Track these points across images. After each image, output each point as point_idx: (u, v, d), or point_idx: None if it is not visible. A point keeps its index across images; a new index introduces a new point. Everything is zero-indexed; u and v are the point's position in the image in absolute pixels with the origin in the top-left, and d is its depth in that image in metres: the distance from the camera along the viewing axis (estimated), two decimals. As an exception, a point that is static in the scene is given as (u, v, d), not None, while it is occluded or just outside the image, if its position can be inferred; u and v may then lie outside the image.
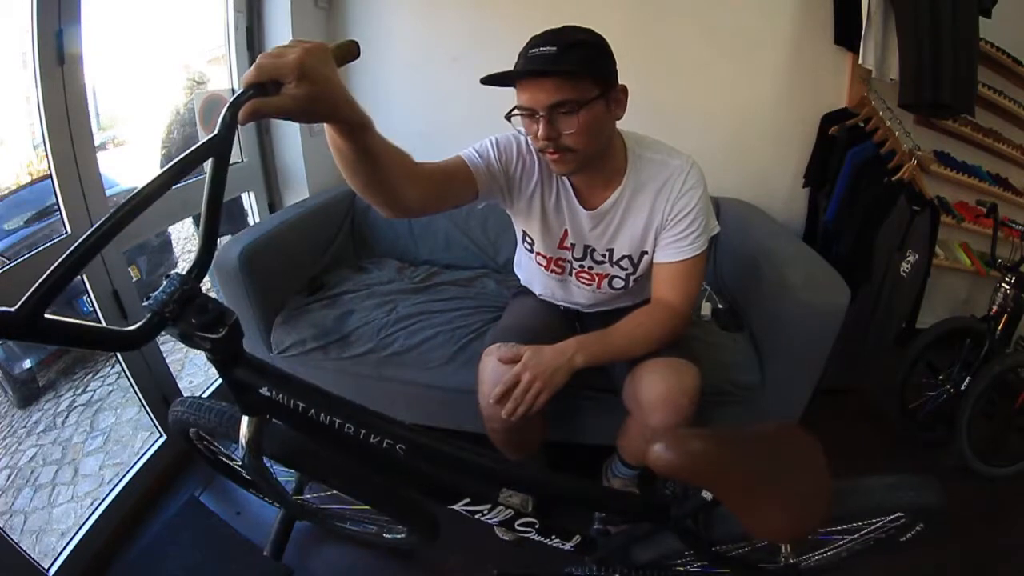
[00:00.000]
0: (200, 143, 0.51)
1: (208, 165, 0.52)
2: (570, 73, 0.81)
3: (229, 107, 0.51)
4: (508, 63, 1.70)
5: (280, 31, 1.70)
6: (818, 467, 0.62)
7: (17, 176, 1.78)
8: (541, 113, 0.84)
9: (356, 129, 0.66)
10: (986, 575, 1.26)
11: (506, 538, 1.25)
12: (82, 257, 0.44)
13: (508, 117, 0.89)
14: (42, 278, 0.42)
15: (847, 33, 1.65)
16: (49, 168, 1.11)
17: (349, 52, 0.63)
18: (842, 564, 1.00)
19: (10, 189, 1.82)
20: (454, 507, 0.76)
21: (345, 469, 0.89)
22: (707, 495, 0.68)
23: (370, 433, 0.64)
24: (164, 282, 0.52)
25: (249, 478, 1.22)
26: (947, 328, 1.61)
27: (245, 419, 0.71)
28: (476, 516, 0.78)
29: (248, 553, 1.22)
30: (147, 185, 0.49)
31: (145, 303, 0.52)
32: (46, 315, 0.42)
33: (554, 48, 0.81)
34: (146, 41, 1.74)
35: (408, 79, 1.88)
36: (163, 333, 0.53)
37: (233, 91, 1.70)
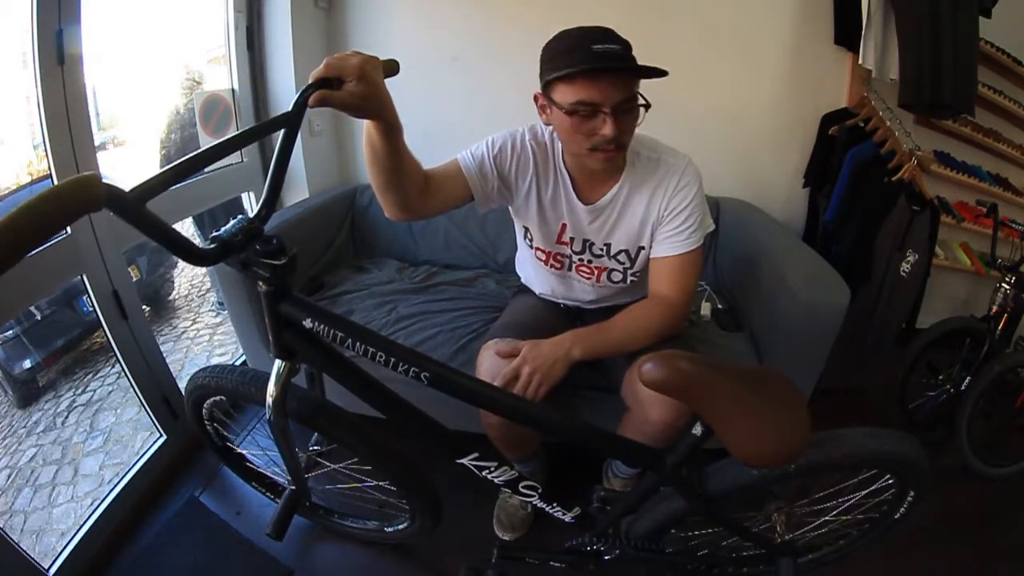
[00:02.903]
0: (277, 115, 0.65)
1: (280, 135, 0.66)
2: (651, 73, 0.82)
3: (302, 92, 0.65)
4: (508, 63, 1.72)
5: (280, 31, 1.70)
6: (798, 403, 0.65)
7: (17, 176, 1.78)
8: (607, 110, 0.83)
9: (393, 130, 0.77)
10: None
11: (506, 538, 1.25)
12: (179, 172, 0.54)
13: (570, 113, 0.85)
14: (153, 175, 0.51)
15: (847, 33, 1.65)
16: (49, 168, 1.11)
17: (391, 68, 0.76)
18: (841, 553, 1.01)
19: (10, 189, 1.82)
20: (463, 461, 0.79)
21: (362, 430, 0.92)
22: (697, 430, 0.71)
23: (399, 362, 0.69)
24: (233, 221, 0.62)
25: (255, 469, 1.23)
26: (947, 328, 1.60)
27: (276, 366, 0.77)
28: (483, 473, 0.81)
29: (248, 553, 1.22)
30: (231, 136, 0.62)
31: (214, 233, 0.60)
32: (147, 207, 0.50)
33: (617, 47, 0.82)
34: (146, 41, 1.73)
35: (408, 79, 1.85)
36: (225, 262, 0.62)
37: (233, 91, 1.71)
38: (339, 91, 0.66)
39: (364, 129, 0.79)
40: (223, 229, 0.61)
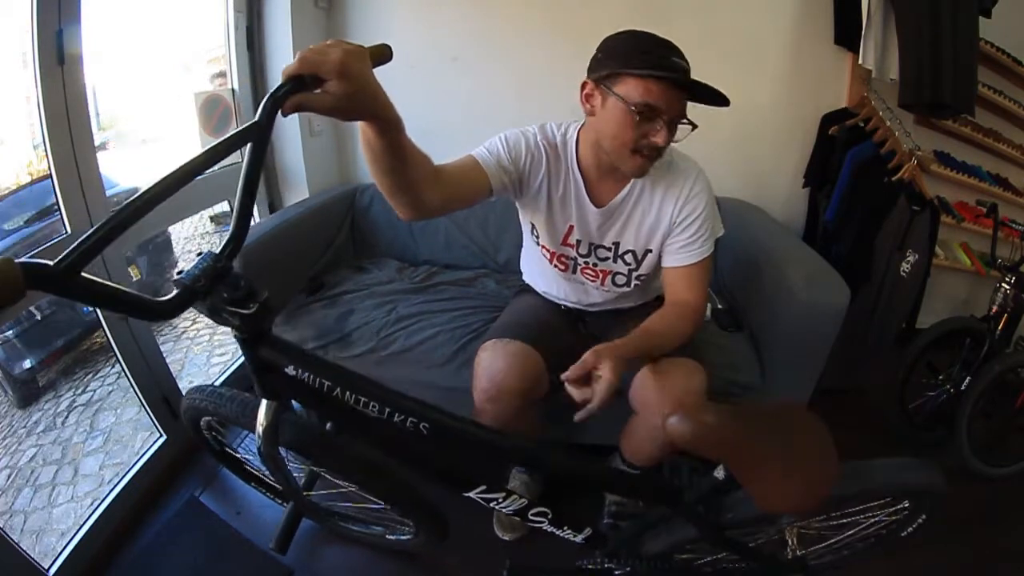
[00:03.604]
0: (242, 127, 0.53)
1: (247, 149, 0.54)
2: (722, 101, 0.85)
3: (270, 97, 0.53)
4: (508, 63, 1.72)
5: (280, 31, 1.70)
6: (824, 443, 0.64)
7: (17, 176, 1.78)
8: (665, 119, 0.86)
9: (390, 128, 0.68)
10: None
11: (506, 538, 1.25)
12: (124, 221, 0.46)
13: (638, 111, 0.85)
14: (84, 235, 0.43)
15: (847, 33, 1.65)
16: (49, 168, 1.11)
17: (383, 55, 0.64)
18: (845, 563, 1.01)
19: (10, 189, 1.82)
20: (469, 494, 0.77)
21: (360, 460, 0.89)
22: (719, 474, 0.69)
23: (395, 412, 0.64)
24: (196, 259, 0.54)
25: (255, 472, 1.23)
26: (947, 328, 1.60)
27: (263, 405, 0.72)
28: (491, 504, 0.79)
29: (248, 553, 1.22)
30: (189, 161, 0.51)
31: (176, 277, 0.53)
32: (83, 274, 0.43)
33: (687, 65, 0.85)
34: (146, 41, 1.74)
35: (408, 79, 1.88)
36: (192, 308, 0.54)
37: (233, 91, 1.70)
38: (319, 94, 0.57)
39: (359, 131, 0.69)
40: (186, 270, 0.53)
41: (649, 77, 0.83)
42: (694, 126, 0.89)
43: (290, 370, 0.64)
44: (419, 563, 1.22)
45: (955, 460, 1.50)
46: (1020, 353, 1.69)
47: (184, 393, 1.01)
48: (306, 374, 0.64)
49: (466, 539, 1.21)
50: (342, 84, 0.57)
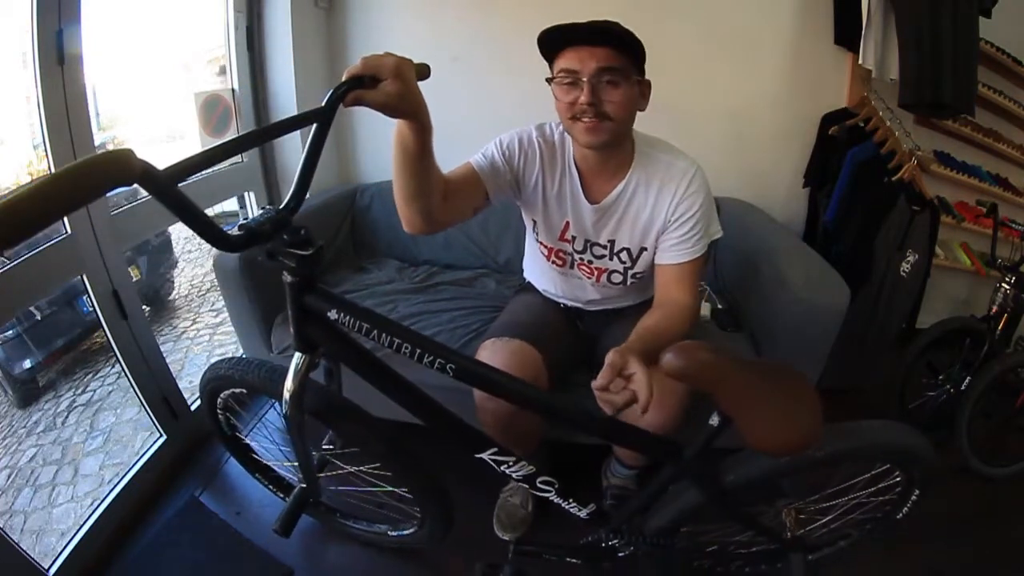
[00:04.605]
0: (309, 110, 0.65)
1: (312, 129, 0.67)
2: (628, 42, 0.85)
3: (335, 90, 0.65)
4: (508, 63, 1.72)
5: (280, 31, 1.70)
6: (811, 396, 0.67)
7: (17, 176, 1.78)
8: (585, 78, 0.86)
9: (425, 131, 0.79)
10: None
11: (507, 538, 1.25)
12: (216, 155, 0.55)
13: (549, 81, 0.91)
14: (186, 157, 0.52)
15: (847, 33, 1.65)
16: (49, 168, 1.12)
17: (423, 72, 0.78)
18: (845, 554, 1.02)
19: (10, 189, 1.82)
20: (482, 455, 0.80)
21: (379, 431, 0.91)
22: (714, 421, 0.71)
23: (424, 354, 0.69)
24: (262, 211, 0.63)
25: (261, 461, 1.24)
26: (947, 328, 1.60)
27: (295, 359, 0.77)
28: (501, 468, 0.81)
29: (248, 553, 1.22)
30: (270, 125, 0.66)
31: (242, 221, 0.60)
32: (179, 187, 0.49)
33: (600, 24, 0.86)
34: (146, 41, 1.74)
35: (408, 79, 1.88)
36: (253, 249, 0.62)
37: (233, 91, 1.70)
38: (374, 90, 0.67)
39: (395, 130, 0.79)
40: (251, 218, 0.61)
41: (556, 50, 0.89)
42: (621, 76, 0.87)
43: (332, 314, 0.70)
44: (419, 563, 1.23)
45: (955, 460, 1.50)
46: (1020, 353, 1.69)
47: (208, 367, 1.03)
48: (348, 318, 0.69)
49: (467, 540, 1.22)
50: (396, 84, 0.67)
